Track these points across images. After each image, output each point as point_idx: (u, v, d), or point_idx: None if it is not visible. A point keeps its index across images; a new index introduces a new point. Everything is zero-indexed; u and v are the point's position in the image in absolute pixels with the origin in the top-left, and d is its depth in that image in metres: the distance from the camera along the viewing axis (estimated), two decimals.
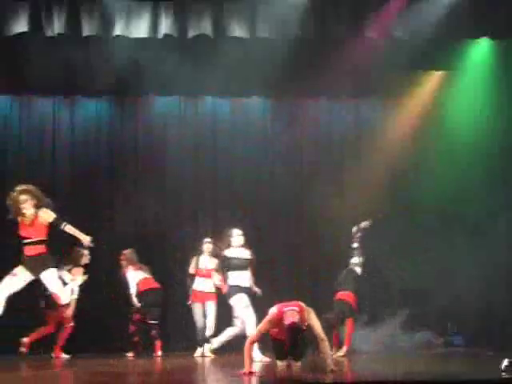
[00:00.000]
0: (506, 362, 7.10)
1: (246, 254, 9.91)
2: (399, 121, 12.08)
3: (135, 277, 10.53)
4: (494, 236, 11.11)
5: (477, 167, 11.58)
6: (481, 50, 11.35)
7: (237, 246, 9.92)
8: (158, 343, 10.39)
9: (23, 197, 8.76)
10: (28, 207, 8.78)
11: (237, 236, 9.92)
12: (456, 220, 11.50)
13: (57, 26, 9.68)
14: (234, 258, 9.83)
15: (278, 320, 7.72)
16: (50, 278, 8.84)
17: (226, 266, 9.86)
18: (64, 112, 11.97)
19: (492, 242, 11.02)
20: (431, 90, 12.05)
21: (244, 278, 9.80)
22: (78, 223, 11.52)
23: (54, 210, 8.93)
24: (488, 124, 11.57)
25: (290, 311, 7.68)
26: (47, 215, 8.83)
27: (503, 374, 6.95)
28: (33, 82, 11.27)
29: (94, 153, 11.94)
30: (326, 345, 7.73)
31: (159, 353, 10.33)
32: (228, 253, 9.89)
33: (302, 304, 7.81)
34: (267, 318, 7.84)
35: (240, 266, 9.83)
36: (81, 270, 10.22)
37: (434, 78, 12.04)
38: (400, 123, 12.05)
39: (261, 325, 7.89)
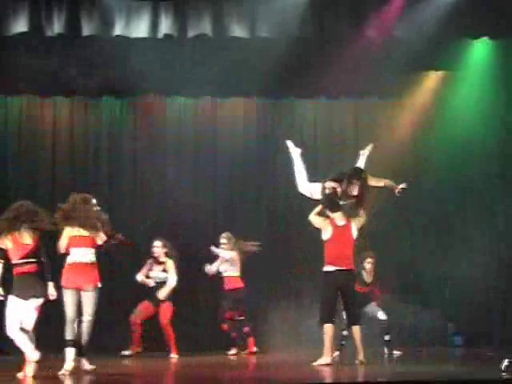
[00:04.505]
0: (506, 362, 7.11)
1: None
2: (399, 121, 12.07)
3: None
4: (494, 234, 11.16)
5: (476, 166, 11.58)
6: (481, 50, 11.35)
7: None
8: (251, 339, 10.43)
9: None
10: None
11: None
12: (456, 224, 11.54)
13: (57, 26, 9.68)
14: None
15: None
16: None
17: None
18: (64, 112, 11.97)
19: (491, 240, 11.05)
20: (431, 90, 12.04)
21: None
22: None
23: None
24: (487, 123, 11.56)
25: None
26: None
27: (503, 374, 6.96)
28: (33, 82, 11.28)
29: (94, 153, 11.93)
30: None
31: (254, 349, 10.38)
32: None
33: None
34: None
35: None
36: None
37: (434, 77, 12.04)
38: (400, 123, 12.05)
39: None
